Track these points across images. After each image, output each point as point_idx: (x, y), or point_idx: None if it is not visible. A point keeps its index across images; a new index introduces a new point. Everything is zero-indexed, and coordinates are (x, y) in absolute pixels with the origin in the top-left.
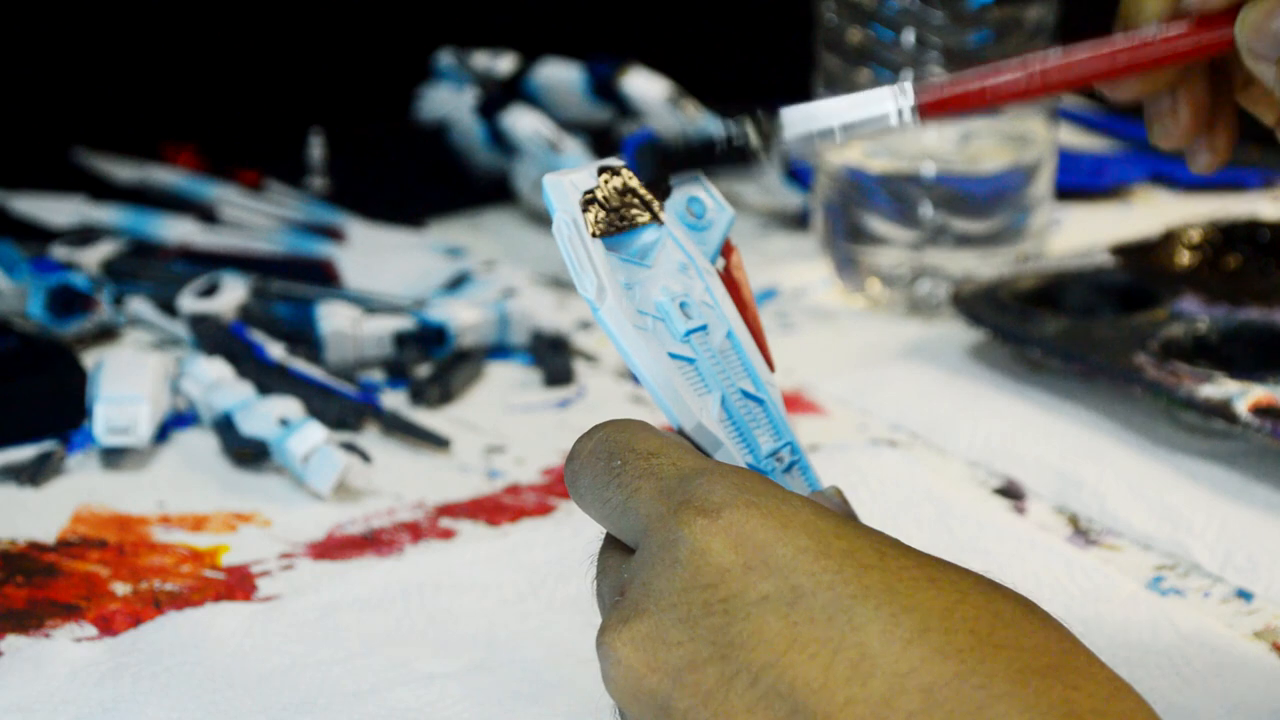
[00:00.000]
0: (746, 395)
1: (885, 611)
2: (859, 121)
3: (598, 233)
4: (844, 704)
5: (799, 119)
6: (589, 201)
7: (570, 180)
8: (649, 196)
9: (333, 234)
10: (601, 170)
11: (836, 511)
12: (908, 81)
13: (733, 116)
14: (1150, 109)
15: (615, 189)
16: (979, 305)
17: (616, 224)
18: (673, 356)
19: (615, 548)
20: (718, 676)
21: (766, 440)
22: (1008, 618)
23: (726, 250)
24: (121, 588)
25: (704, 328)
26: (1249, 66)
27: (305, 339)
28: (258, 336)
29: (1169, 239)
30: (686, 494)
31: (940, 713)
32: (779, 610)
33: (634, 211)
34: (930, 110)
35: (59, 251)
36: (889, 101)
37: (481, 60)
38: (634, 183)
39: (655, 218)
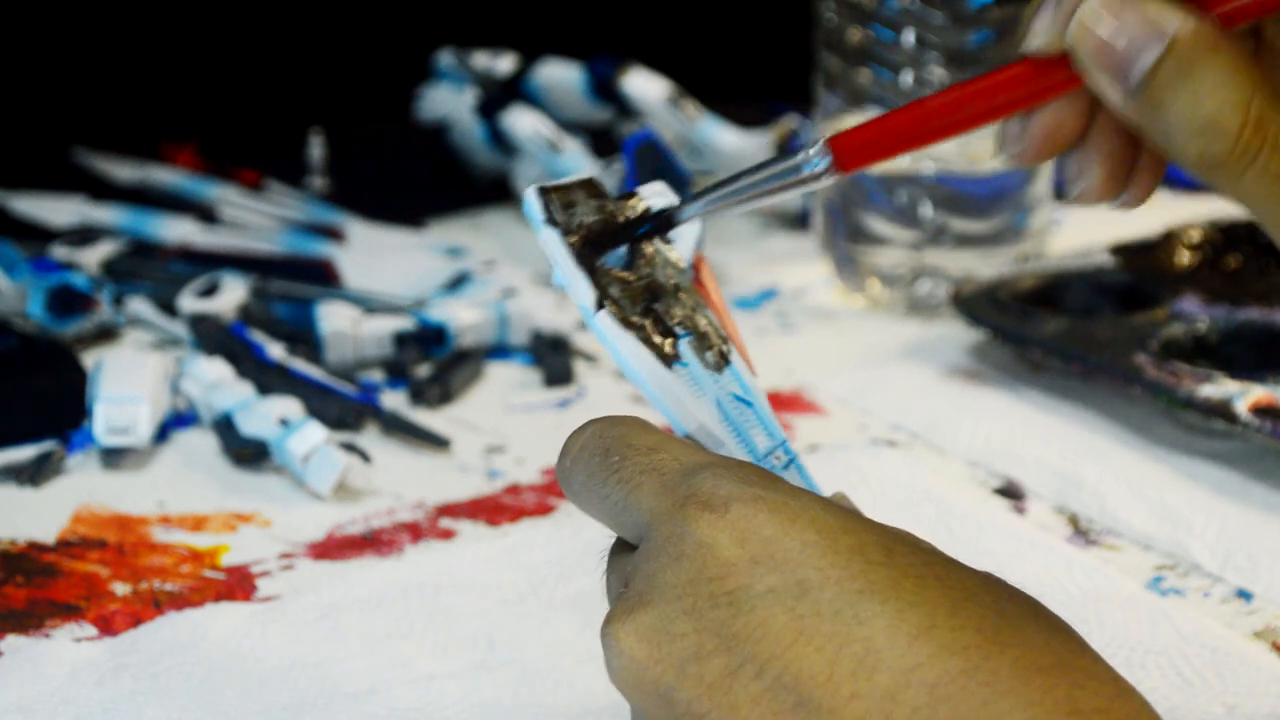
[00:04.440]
0: (736, 398)
1: (891, 607)
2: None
3: (583, 241)
4: (849, 698)
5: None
6: (571, 212)
7: (551, 190)
8: (625, 207)
9: (333, 234)
10: (578, 183)
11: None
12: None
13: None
14: (1066, 168)
15: (593, 199)
16: (979, 305)
17: (598, 233)
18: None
19: (625, 544)
20: (722, 668)
21: (762, 440)
22: (1013, 616)
23: (696, 261)
24: (121, 588)
25: (690, 334)
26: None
27: (305, 339)
28: (258, 336)
29: (1169, 239)
30: (691, 489)
31: (945, 708)
32: (785, 603)
33: (612, 221)
34: (847, 161)
35: (59, 251)
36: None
37: (481, 60)
38: (609, 194)
39: (631, 228)
